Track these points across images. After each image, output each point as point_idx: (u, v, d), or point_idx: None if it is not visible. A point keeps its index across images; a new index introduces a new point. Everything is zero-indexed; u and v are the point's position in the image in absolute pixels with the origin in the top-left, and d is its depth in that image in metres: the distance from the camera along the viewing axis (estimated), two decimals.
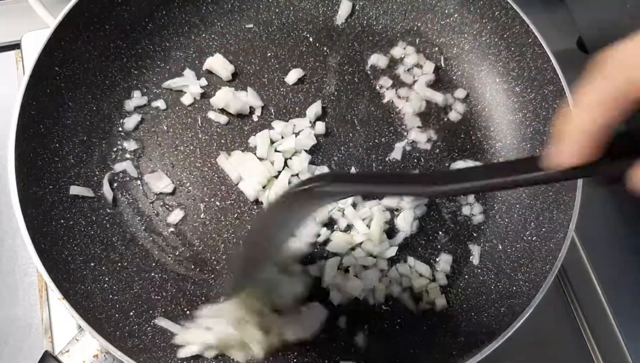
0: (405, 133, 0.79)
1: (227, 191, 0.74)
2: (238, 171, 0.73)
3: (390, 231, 0.73)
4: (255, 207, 0.73)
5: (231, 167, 0.74)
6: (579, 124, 0.32)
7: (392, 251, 0.70)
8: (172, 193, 0.73)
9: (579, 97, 0.32)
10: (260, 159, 0.74)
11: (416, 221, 0.73)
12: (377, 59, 0.82)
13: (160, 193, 0.72)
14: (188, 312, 0.67)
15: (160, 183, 0.72)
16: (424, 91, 0.81)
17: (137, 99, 0.76)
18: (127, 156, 0.74)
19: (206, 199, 0.73)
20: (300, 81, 0.80)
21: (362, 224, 0.71)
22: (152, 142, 0.75)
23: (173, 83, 0.78)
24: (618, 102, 0.30)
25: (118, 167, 0.73)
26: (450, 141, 0.79)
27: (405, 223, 0.72)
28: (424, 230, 0.74)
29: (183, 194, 0.73)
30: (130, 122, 0.75)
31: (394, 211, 0.74)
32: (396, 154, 0.77)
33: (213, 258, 0.70)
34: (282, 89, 0.80)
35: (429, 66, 0.83)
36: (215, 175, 0.74)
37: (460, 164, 0.78)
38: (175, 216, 0.71)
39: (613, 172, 0.33)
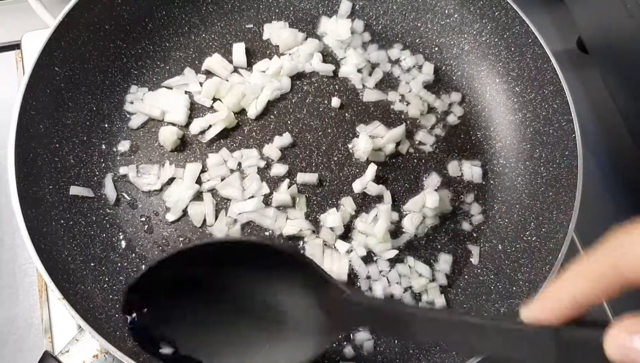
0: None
1: None
2: (159, 108, 0.75)
3: (395, 231, 0.73)
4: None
5: (150, 108, 0.75)
6: (568, 289, 0.34)
7: (391, 254, 0.70)
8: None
9: (581, 262, 0.34)
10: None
11: (422, 224, 0.73)
12: (377, 57, 0.82)
13: (153, 191, 0.72)
14: None
15: (147, 179, 0.72)
16: (422, 93, 0.81)
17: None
18: (128, 156, 0.74)
19: None
20: (300, 81, 0.80)
21: (366, 222, 0.72)
22: (152, 142, 0.75)
23: (173, 82, 0.78)
24: (615, 280, 0.32)
25: (119, 167, 0.73)
26: (450, 141, 0.79)
27: (412, 225, 0.72)
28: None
29: None
30: (133, 121, 0.75)
31: (401, 213, 0.74)
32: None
33: None
34: None
35: (429, 67, 0.83)
36: None
37: (458, 165, 0.78)
38: (175, 215, 0.71)
39: (583, 339, 0.34)
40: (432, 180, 0.76)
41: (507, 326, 0.37)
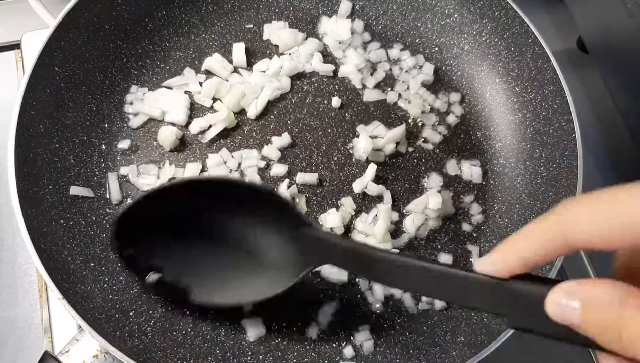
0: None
1: None
2: (159, 108, 0.75)
3: (395, 231, 0.73)
4: None
5: (150, 108, 0.75)
6: (518, 248, 0.37)
7: None
8: None
9: (532, 226, 0.36)
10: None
11: (424, 225, 0.73)
12: (377, 57, 0.82)
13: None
14: (188, 312, 0.67)
15: (147, 179, 0.72)
16: (422, 93, 0.81)
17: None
18: (128, 156, 0.74)
19: None
20: (300, 81, 0.80)
21: (366, 222, 0.72)
22: (152, 142, 0.75)
23: (173, 82, 0.78)
24: (561, 244, 0.35)
25: (119, 167, 0.73)
26: (450, 141, 0.79)
27: (413, 226, 0.72)
28: None
29: None
30: (133, 121, 0.75)
31: (402, 213, 0.74)
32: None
33: None
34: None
35: (429, 67, 0.83)
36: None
37: (457, 165, 0.78)
38: None
39: (526, 295, 0.37)
40: (433, 180, 0.76)
41: (462, 274, 0.41)
